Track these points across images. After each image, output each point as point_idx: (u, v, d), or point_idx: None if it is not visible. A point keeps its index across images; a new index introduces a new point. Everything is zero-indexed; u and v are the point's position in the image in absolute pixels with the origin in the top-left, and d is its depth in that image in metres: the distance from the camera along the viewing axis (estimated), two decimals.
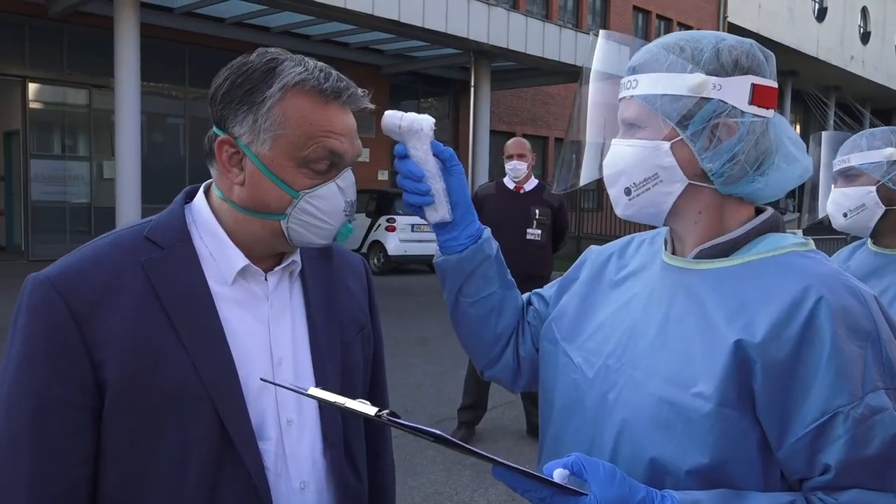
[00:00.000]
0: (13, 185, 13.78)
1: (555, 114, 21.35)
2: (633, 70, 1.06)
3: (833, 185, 1.95)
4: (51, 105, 13.36)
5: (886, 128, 1.85)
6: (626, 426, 1.02)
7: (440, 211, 1.21)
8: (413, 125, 1.17)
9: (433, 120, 1.18)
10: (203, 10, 13.30)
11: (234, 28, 14.14)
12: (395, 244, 13.35)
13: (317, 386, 1.12)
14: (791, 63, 31.59)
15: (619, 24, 22.64)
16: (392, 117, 1.18)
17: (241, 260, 1.10)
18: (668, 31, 25.09)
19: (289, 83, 1.04)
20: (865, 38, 35.52)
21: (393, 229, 13.49)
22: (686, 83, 1.01)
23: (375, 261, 13.59)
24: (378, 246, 13.58)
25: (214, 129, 1.10)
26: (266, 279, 1.14)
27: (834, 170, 1.92)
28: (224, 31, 14.15)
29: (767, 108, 1.03)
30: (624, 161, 1.06)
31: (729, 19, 26.65)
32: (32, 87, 13.02)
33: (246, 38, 14.15)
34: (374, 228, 13.69)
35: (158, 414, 1.01)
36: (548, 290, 1.33)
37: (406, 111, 1.20)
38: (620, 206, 1.10)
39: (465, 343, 1.33)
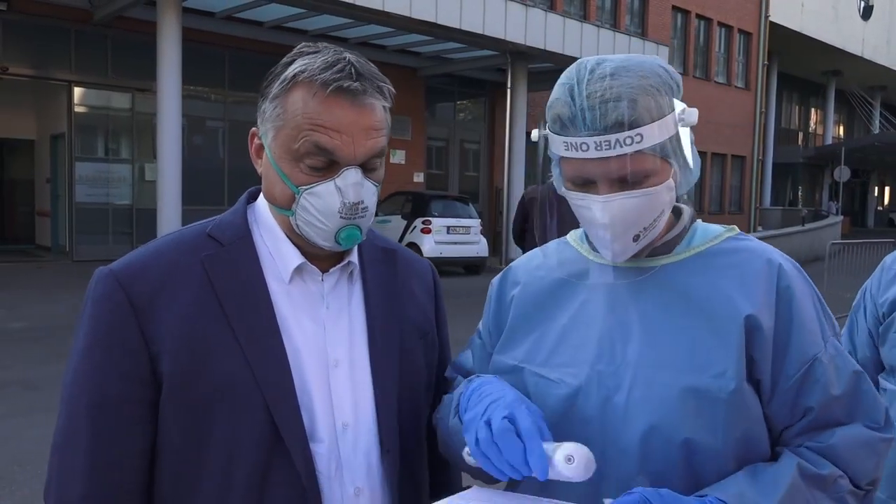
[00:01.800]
0: (58, 187, 14.15)
1: None
2: (623, 125, 1.00)
3: None
4: (95, 109, 13.69)
5: None
6: (654, 426, 1.02)
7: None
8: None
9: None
10: (243, 14, 13.49)
11: (272, 32, 14.32)
12: (430, 246, 13.37)
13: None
14: (835, 62, 30.86)
15: (658, 25, 22.34)
16: None
17: (296, 258, 1.10)
18: (707, 31, 24.68)
19: (289, 75, 1.04)
20: None
21: (429, 231, 13.51)
22: (675, 118, 1.05)
23: None
24: (413, 248, 13.60)
25: None
26: (322, 279, 1.13)
27: None
28: (263, 34, 14.34)
29: None
30: (635, 213, 1.04)
31: (771, 18, 26.11)
32: (78, 91, 13.36)
33: (284, 41, 14.30)
34: (410, 230, 13.73)
35: (210, 408, 1.01)
36: (467, 356, 1.28)
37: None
38: (626, 253, 1.08)
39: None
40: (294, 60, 1.06)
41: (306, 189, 1.04)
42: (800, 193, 35.73)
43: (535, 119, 18.61)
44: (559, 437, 1.01)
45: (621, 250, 1.08)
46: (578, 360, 1.10)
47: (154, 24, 11.28)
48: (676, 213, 1.16)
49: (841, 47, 29.32)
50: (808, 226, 22.34)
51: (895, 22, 32.97)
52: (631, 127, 1.00)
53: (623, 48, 15.78)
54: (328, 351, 1.10)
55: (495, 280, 1.29)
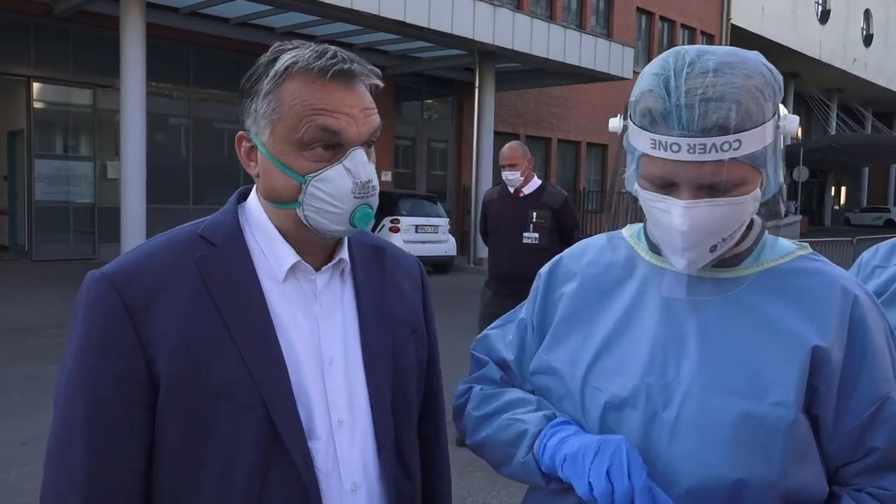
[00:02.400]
0: (17, 185, 13.81)
1: (558, 115, 21.34)
2: (724, 129, 0.92)
3: None
4: (55, 105, 13.38)
5: None
6: (703, 449, 0.96)
7: None
8: None
9: None
10: (208, 10, 13.32)
11: (238, 28, 14.16)
12: (399, 245, 13.32)
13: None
14: (793, 65, 31.55)
15: (623, 26, 22.62)
16: None
17: (291, 257, 1.10)
18: (671, 33, 25.05)
19: (279, 69, 1.04)
20: (868, 40, 35.46)
21: (397, 230, 13.50)
22: (774, 124, 0.97)
23: None
24: None
25: None
26: (315, 277, 1.13)
27: None
28: (228, 31, 14.17)
29: None
30: (718, 222, 0.96)
31: (732, 21, 26.61)
32: (37, 87, 13.04)
33: (250, 38, 14.15)
34: (378, 229, 13.69)
35: (207, 409, 1.01)
36: (509, 339, 1.25)
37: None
38: (700, 263, 1.01)
39: None
40: (277, 57, 1.06)
41: (314, 176, 1.04)
42: None
43: (502, 118, 18.73)
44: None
45: (695, 260, 1.00)
46: (627, 369, 1.04)
47: (116, 19, 11.08)
48: (749, 225, 1.07)
49: (799, 50, 30.02)
50: (767, 224, 22.82)
51: (851, 26, 33.86)
52: (732, 132, 0.91)
53: (589, 49, 15.94)
54: (322, 348, 1.11)
55: (543, 272, 1.23)
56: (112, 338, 1.02)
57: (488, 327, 1.33)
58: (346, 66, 1.04)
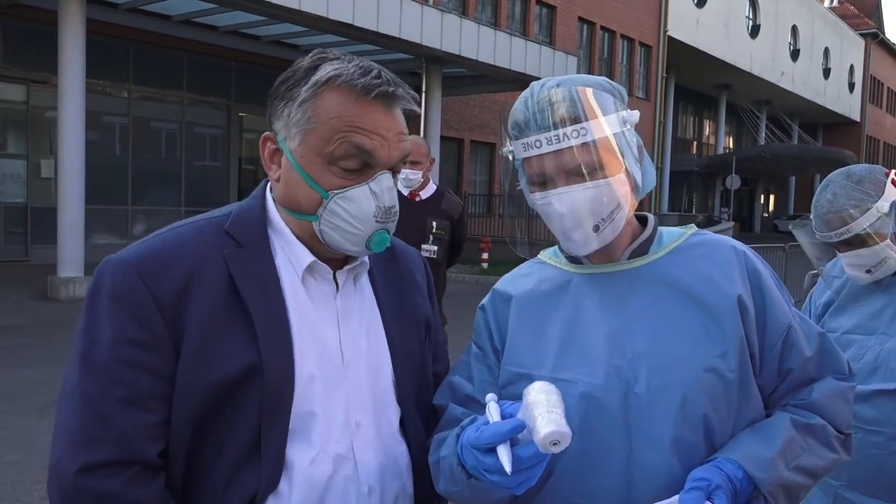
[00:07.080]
0: None
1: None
2: (567, 120, 1.11)
3: (838, 251, 1.98)
4: None
5: (854, 187, 1.89)
6: (676, 411, 1.10)
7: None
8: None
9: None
10: (149, 6, 13.01)
11: (180, 26, 13.88)
12: None
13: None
14: (726, 77, 32.79)
15: (565, 34, 23.12)
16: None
17: (307, 256, 1.10)
18: (611, 42, 25.72)
19: (321, 79, 1.04)
20: (795, 55, 37.13)
21: None
22: (621, 119, 1.16)
23: None
24: None
25: None
26: (335, 277, 1.13)
27: (833, 241, 1.94)
28: (170, 28, 13.88)
29: None
30: (591, 203, 1.12)
31: (669, 33, 27.50)
32: None
33: (193, 36, 13.90)
34: None
35: (218, 402, 1.01)
36: (472, 375, 1.28)
37: None
38: (589, 244, 1.16)
39: None
40: (319, 65, 1.06)
41: (338, 194, 1.04)
42: (694, 200, 37.74)
43: (447, 123, 18.88)
44: (585, 433, 1.11)
45: (583, 240, 1.15)
46: (590, 359, 1.16)
47: (52, 13, 10.69)
48: (643, 221, 1.28)
49: (731, 62, 31.20)
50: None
51: (779, 41, 35.41)
52: (575, 121, 1.11)
53: (534, 56, 16.24)
54: (343, 350, 1.11)
55: (485, 305, 1.32)
56: (143, 333, 1.00)
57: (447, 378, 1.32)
58: (389, 89, 1.05)
